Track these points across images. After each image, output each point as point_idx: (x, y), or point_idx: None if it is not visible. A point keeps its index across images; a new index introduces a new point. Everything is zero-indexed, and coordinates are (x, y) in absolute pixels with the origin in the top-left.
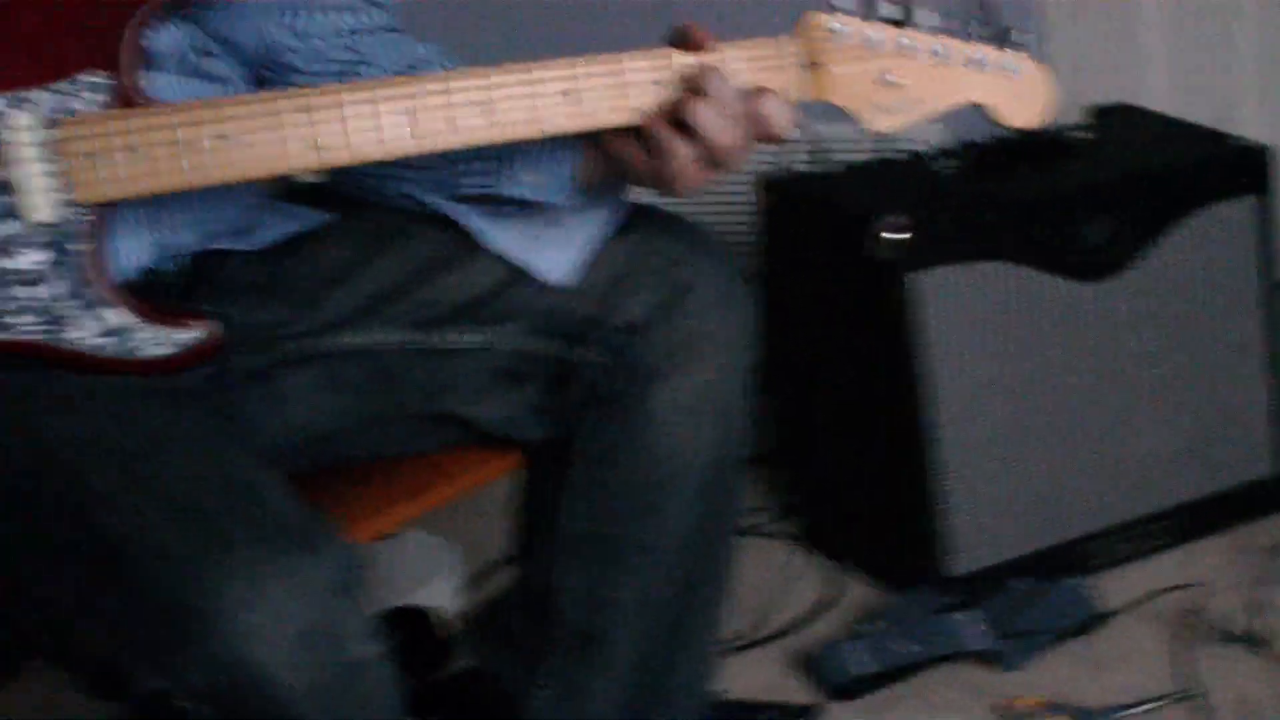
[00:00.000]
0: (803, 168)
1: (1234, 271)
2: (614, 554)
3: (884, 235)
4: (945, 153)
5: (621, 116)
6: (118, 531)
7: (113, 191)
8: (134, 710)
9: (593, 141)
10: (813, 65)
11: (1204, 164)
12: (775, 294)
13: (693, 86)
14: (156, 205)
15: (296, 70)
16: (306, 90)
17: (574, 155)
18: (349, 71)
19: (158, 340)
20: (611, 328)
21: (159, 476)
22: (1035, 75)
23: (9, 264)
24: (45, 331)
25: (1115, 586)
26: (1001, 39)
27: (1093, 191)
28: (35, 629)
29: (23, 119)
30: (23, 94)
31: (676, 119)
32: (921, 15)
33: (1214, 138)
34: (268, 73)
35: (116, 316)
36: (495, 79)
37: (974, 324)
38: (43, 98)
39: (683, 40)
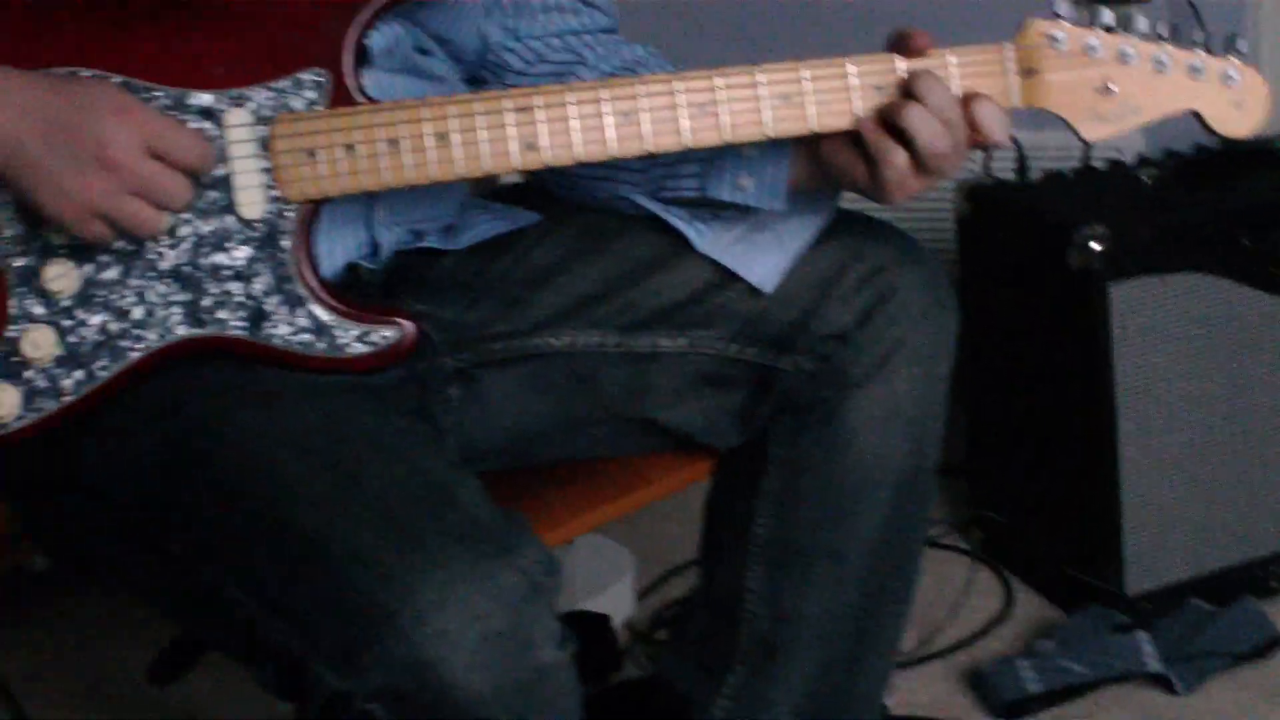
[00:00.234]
0: (1004, 176)
1: None
2: (803, 561)
3: (1085, 244)
4: (1146, 161)
5: (841, 121)
6: (316, 528)
7: (327, 189)
8: (315, 710)
9: (803, 146)
10: (1029, 72)
11: None
12: (969, 303)
13: (909, 91)
14: (365, 203)
15: (513, 70)
16: (527, 90)
17: (786, 159)
18: (565, 72)
19: (360, 337)
20: (818, 335)
21: (361, 476)
22: (1253, 83)
23: (221, 258)
24: (248, 326)
25: None
26: (1225, 46)
27: None
28: (222, 622)
29: (240, 116)
30: (242, 92)
31: (891, 124)
32: (1140, 22)
33: None
34: (484, 72)
35: (320, 313)
36: (717, 81)
37: (1169, 336)
38: (261, 95)
39: (902, 44)
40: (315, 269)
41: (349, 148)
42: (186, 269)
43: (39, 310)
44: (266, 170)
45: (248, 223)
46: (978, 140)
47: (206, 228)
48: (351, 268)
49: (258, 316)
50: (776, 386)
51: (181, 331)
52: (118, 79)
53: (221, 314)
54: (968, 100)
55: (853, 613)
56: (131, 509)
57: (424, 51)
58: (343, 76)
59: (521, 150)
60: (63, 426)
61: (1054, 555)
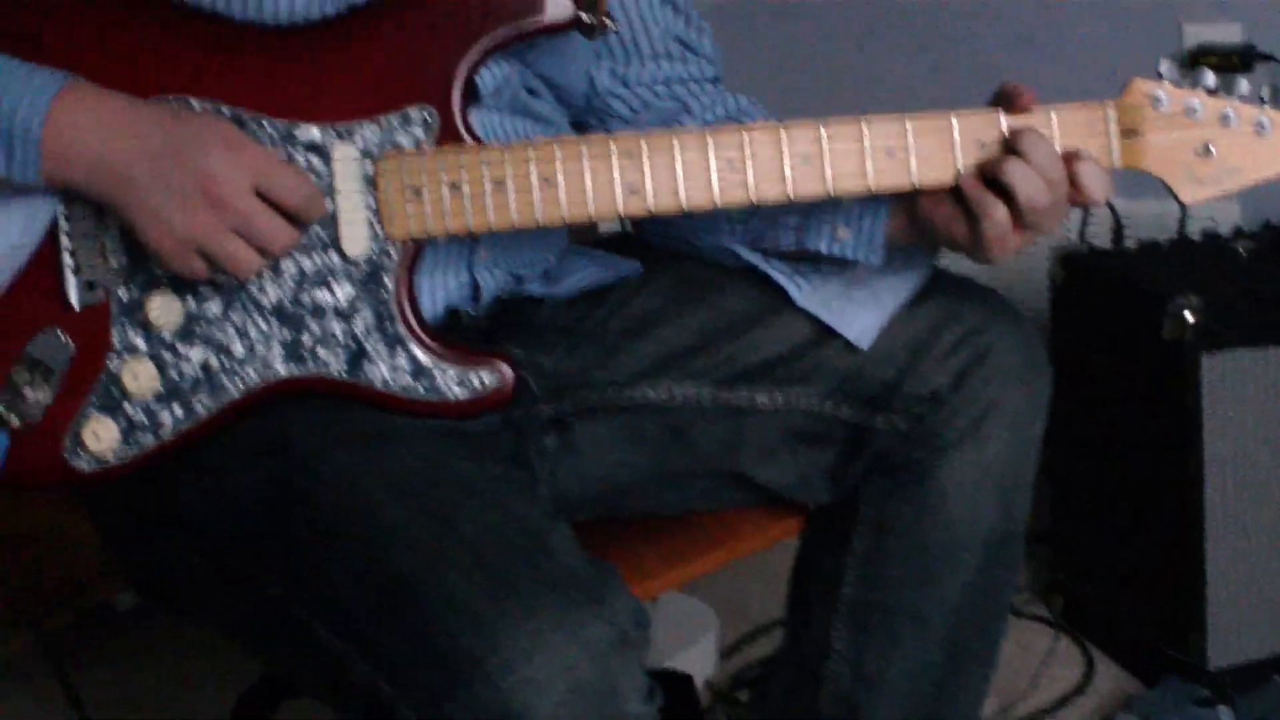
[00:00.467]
0: (1099, 243)
1: None
2: (888, 622)
3: (1179, 315)
4: (1242, 233)
5: (944, 175)
6: (410, 571)
7: (431, 228)
8: None
9: (902, 199)
10: (1130, 132)
11: None
12: (1060, 369)
13: (1011, 147)
14: (467, 245)
15: (618, 117)
16: (634, 135)
17: (884, 212)
18: (670, 120)
19: (459, 381)
20: (912, 395)
21: (456, 521)
22: None
23: (323, 296)
24: (348, 367)
25: None
26: None
27: None
28: (311, 662)
29: (347, 151)
30: (350, 126)
31: (993, 179)
32: (1241, 85)
33: None
34: (589, 117)
35: (419, 355)
36: (826, 132)
37: (1259, 409)
38: (369, 130)
39: (1006, 100)
40: (416, 310)
41: (454, 187)
42: (288, 306)
43: (140, 343)
44: (371, 207)
45: (351, 260)
46: (1077, 199)
47: (309, 264)
48: (451, 311)
49: (358, 356)
50: (869, 445)
51: (282, 369)
52: (228, 110)
53: (322, 353)
54: (1069, 158)
55: (935, 676)
56: (226, 545)
57: (532, 92)
58: (451, 114)
59: (626, 195)
60: (160, 462)
61: (1136, 626)
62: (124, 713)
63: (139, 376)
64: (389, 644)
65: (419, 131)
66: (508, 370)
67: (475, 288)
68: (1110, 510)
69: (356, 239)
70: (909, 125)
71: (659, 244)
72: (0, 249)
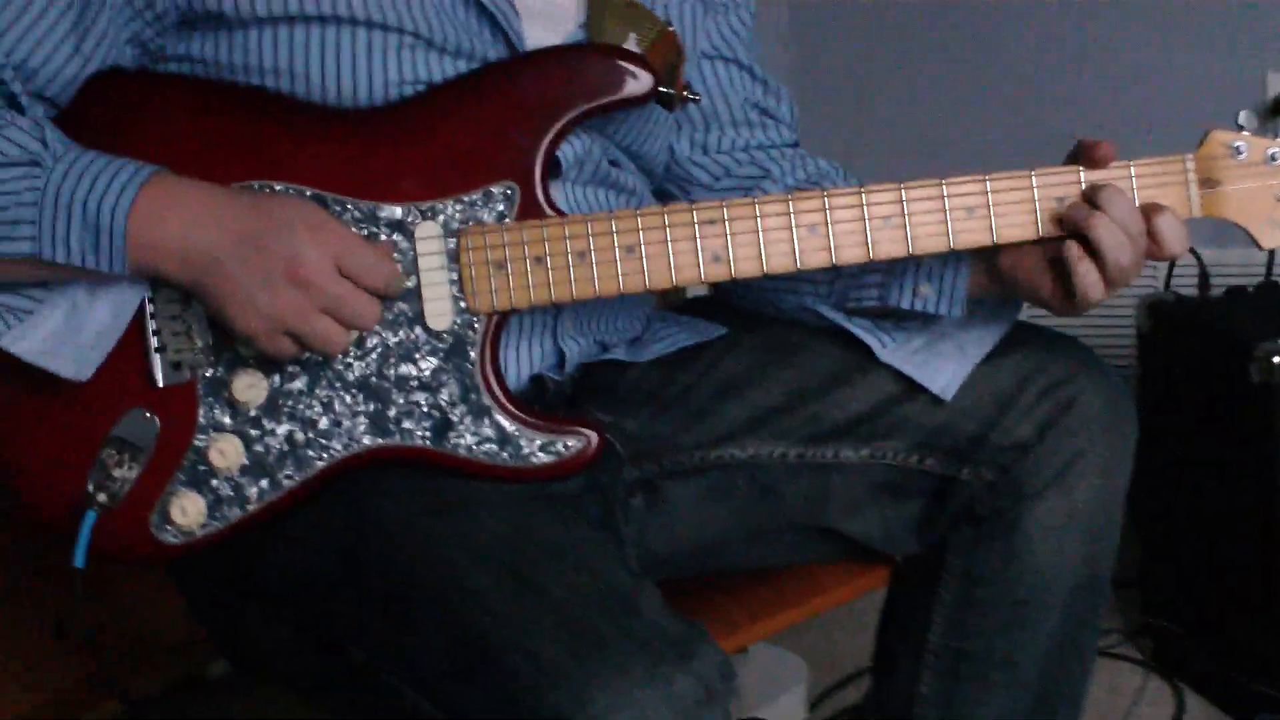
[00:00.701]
0: (1186, 291)
1: None
2: (977, 669)
3: (1267, 359)
4: None
5: (1025, 232)
6: (496, 633)
7: (515, 301)
8: None
9: (982, 254)
10: (1209, 182)
11: None
12: (1148, 417)
13: (1093, 202)
14: (552, 315)
15: (700, 184)
16: (715, 203)
17: (966, 267)
18: (752, 186)
19: (543, 447)
20: (999, 447)
21: (542, 585)
22: None
23: (408, 369)
24: (433, 436)
25: None
26: None
27: None
28: None
29: (430, 229)
30: (432, 204)
31: (1078, 235)
32: None
33: None
34: (670, 185)
35: (504, 423)
36: (907, 194)
37: None
38: (451, 208)
39: (1085, 155)
40: (501, 379)
41: (538, 260)
42: (373, 380)
43: (226, 420)
44: (455, 282)
45: (435, 334)
46: (1156, 253)
47: (394, 339)
48: (537, 379)
49: (443, 426)
50: (955, 497)
51: (367, 441)
52: (310, 192)
53: (407, 424)
54: (1148, 212)
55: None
56: (312, 614)
57: (614, 164)
58: (533, 189)
59: (709, 262)
60: (245, 533)
61: (1226, 665)
62: None
63: (225, 453)
64: (474, 705)
65: (501, 207)
66: (592, 434)
67: (560, 355)
68: (1198, 552)
69: (441, 314)
70: (989, 185)
71: (741, 305)
72: (88, 336)
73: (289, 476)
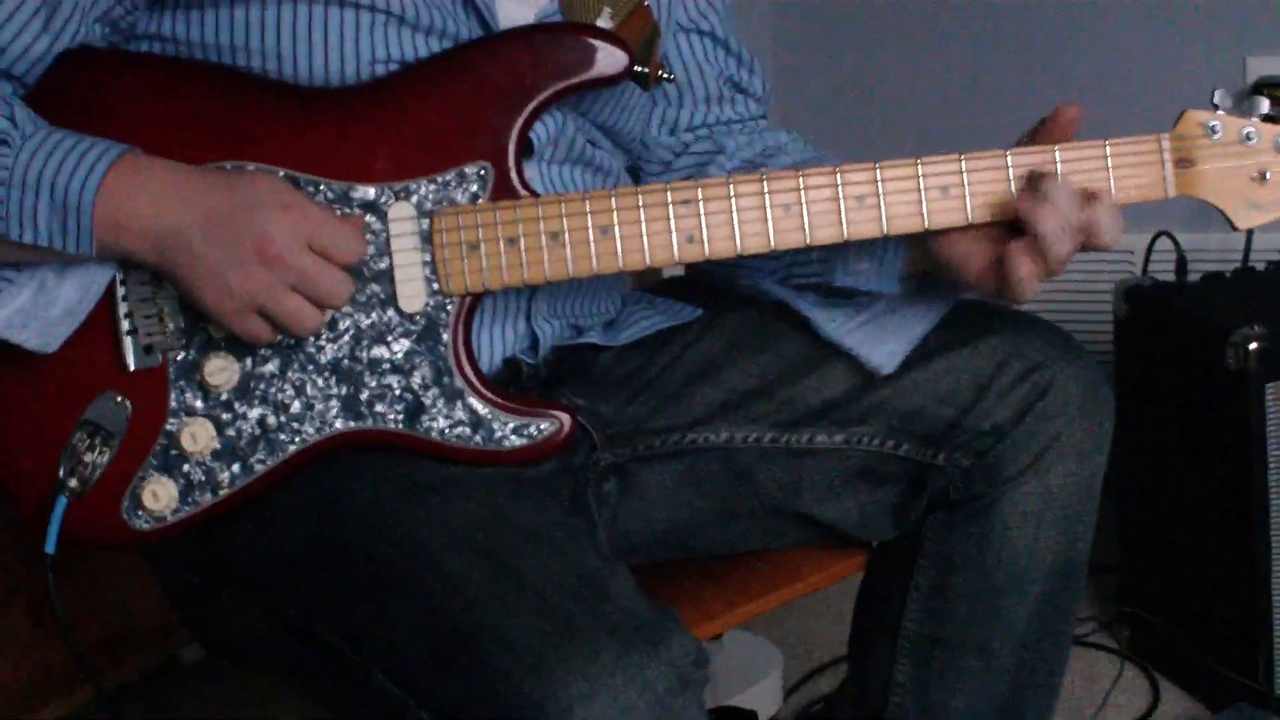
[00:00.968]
0: (1163, 277)
1: None
2: (952, 655)
3: (1242, 345)
4: None
5: (1006, 212)
6: (469, 617)
7: (489, 282)
8: None
9: (915, 236)
10: (1185, 162)
11: None
12: (1125, 403)
13: (1035, 189)
14: (525, 296)
15: (660, 162)
16: (693, 183)
17: (903, 245)
18: (707, 162)
19: (516, 430)
20: (974, 432)
21: (515, 568)
22: None
23: (381, 352)
24: (406, 420)
25: None
26: None
27: None
28: (372, 710)
29: (403, 209)
30: (405, 184)
31: (1018, 223)
32: None
33: None
34: (641, 163)
35: (477, 406)
36: (882, 174)
37: None
38: (424, 188)
39: (1052, 124)
40: (474, 362)
41: (511, 241)
42: (345, 362)
43: (198, 404)
44: (428, 263)
45: (408, 316)
46: (1091, 241)
47: (366, 321)
48: (510, 362)
49: (416, 410)
50: (931, 482)
51: (339, 425)
52: (283, 173)
53: (380, 407)
54: (1087, 200)
55: (999, 706)
56: (285, 598)
57: (591, 143)
58: (506, 170)
59: (683, 243)
60: (218, 518)
61: (1202, 654)
62: None
63: (197, 437)
64: (448, 689)
65: (474, 187)
66: (565, 418)
67: (534, 338)
68: (1175, 540)
69: (413, 295)
70: (964, 164)
71: (712, 284)
72: (56, 312)
73: (261, 461)
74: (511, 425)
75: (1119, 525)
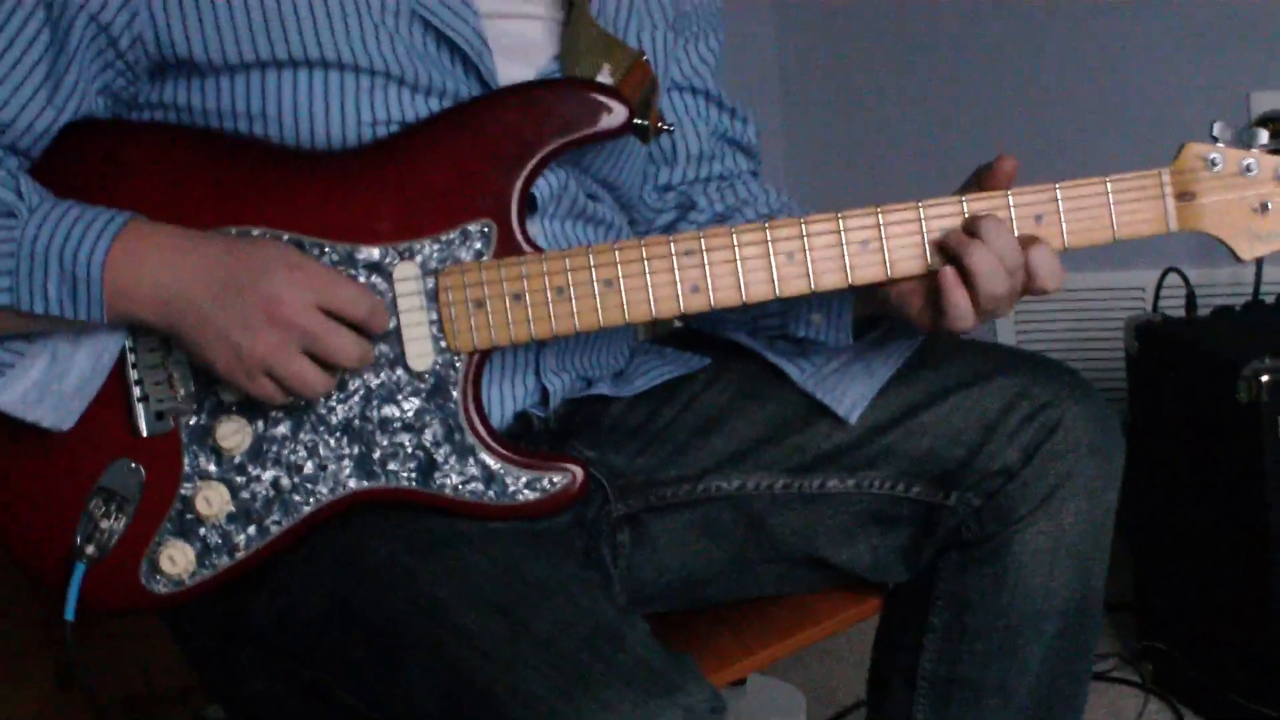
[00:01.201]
0: (1174, 313)
1: None
2: (970, 696)
3: (1253, 378)
4: None
5: (916, 265)
6: (484, 671)
7: (496, 339)
8: None
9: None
10: (1186, 195)
11: None
12: (1139, 439)
13: (973, 232)
14: (533, 351)
15: (644, 220)
16: (695, 234)
17: (850, 296)
18: (678, 219)
19: (528, 484)
20: (984, 472)
21: (530, 622)
22: None
23: (391, 411)
24: (418, 477)
25: None
26: None
27: None
28: None
29: (408, 269)
30: (409, 245)
31: (957, 264)
32: None
33: None
34: (635, 215)
35: (489, 461)
36: (884, 218)
37: None
38: (429, 248)
39: (989, 174)
40: (484, 418)
41: (516, 297)
42: (357, 422)
43: (211, 468)
44: (435, 322)
45: (417, 375)
46: (1029, 285)
47: (376, 381)
48: (521, 416)
49: (428, 467)
50: (943, 523)
51: (353, 484)
52: (287, 236)
53: (392, 466)
54: (1024, 244)
55: None
56: (303, 659)
57: (591, 197)
58: (510, 227)
59: (688, 294)
60: (235, 580)
61: (1224, 685)
62: None
63: (211, 500)
64: None
65: (479, 245)
66: (578, 470)
67: (544, 392)
68: (1193, 574)
69: (421, 354)
70: (965, 205)
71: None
72: (69, 386)
73: (276, 522)
74: (524, 479)
75: (1134, 560)
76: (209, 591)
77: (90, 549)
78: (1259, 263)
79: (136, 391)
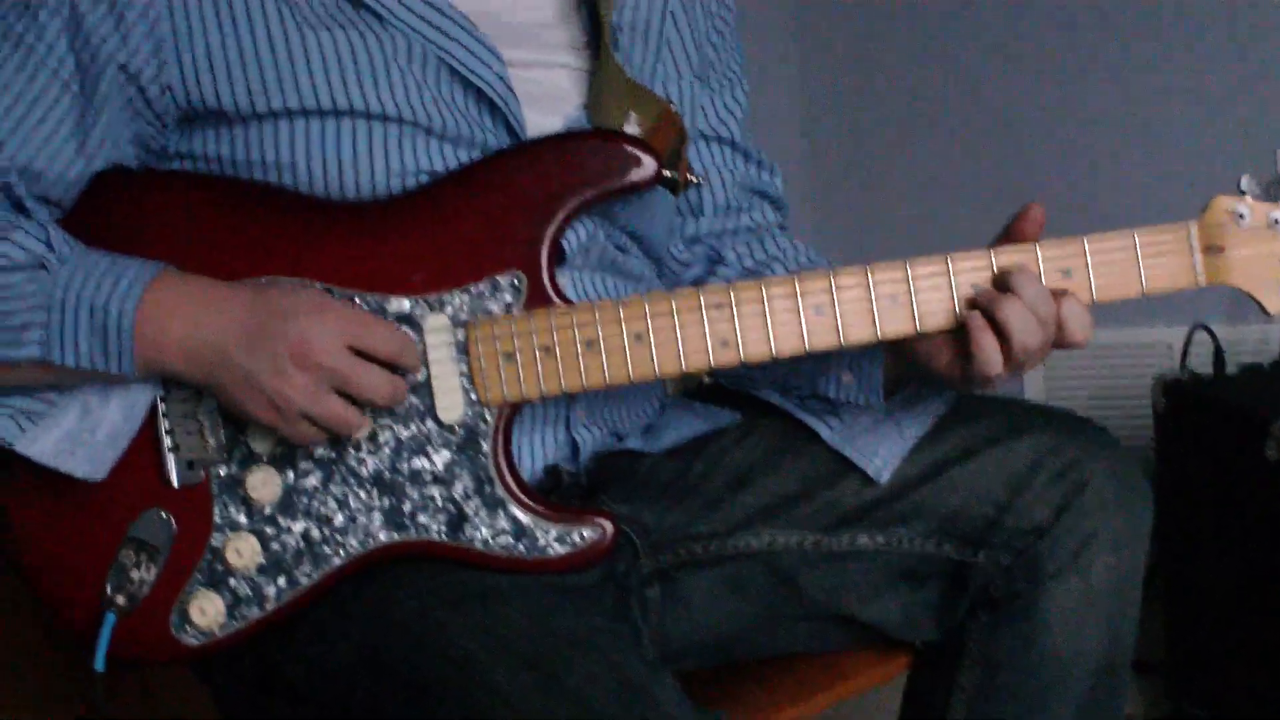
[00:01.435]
0: (1201, 371)
1: None
2: None
3: None
4: None
5: (946, 319)
6: None
7: (526, 392)
8: None
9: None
10: (1213, 249)
11: None
12: (1168, 498)
13: (1003, 285)
14: (564, 404)
15: (671, 273)
16: (724, 286)
17: (880, 356)
18: (706, 274)
19: (559, 538)
20: (1013, 530)
21: (561, 675)
22: None
23: (421, 463)
24: (448, 530)
25: None
26: None
27: None
28: None
29: (438, 321)
30: (439, 296)
31: (989, 320)
32: None
33: None
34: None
35: (519, 515)
36: (912, 271)
37: None
38: (458, 299)
39: (1017, 223)
40: (515, 471)
41: (546, 350)
42: (387, 474)
43: (242, 519)
44: (465, 374)
45: (447, 427)
46: (1060, 339)
47: (406, 433)
48: (551, 470)
49: (458, 520)
50: (973, 581)
51: (383, 537)
52: (318, 285)
53: (422, 518)
54: (1055, 296)
55: None
56: (333, 711)
57: (620, 248)
58: (539, 278)
59: (718, 348)
60: (265, 630)
61: None
62: None
63: (242, 552)
64: None
65: (508, 297)
66: (608, 525)
67: (574, 445)
68: (1224, 635)
69: (452, 406)
70: (994, 258)
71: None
72: (101, 437)
73: (306, 574)
74: (554, 533)
75: (1167, 621)
76: (239, 643)
77: (120, 599)
78: None
79: (167, 441)
